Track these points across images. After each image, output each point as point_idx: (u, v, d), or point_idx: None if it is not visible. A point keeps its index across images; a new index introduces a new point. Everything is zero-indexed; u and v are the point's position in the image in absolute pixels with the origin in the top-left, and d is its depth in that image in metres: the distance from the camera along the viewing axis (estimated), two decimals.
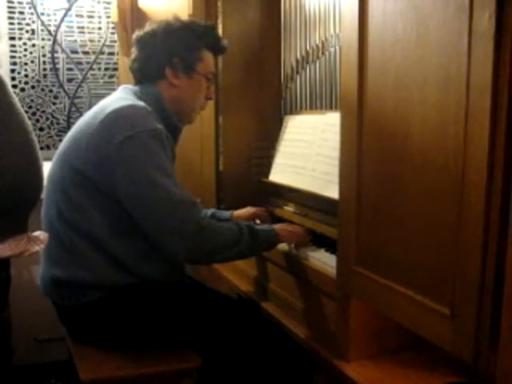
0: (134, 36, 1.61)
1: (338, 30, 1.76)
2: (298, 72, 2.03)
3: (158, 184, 1.37)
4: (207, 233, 1.40)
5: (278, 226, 1.59)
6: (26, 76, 2.74)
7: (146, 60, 1.58)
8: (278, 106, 2.15)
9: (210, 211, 1.84)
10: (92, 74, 2.83)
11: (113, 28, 2.70)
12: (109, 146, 1.39)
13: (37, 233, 1.20)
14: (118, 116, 1.42)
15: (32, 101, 2.76)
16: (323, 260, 1.47)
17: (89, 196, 1.45)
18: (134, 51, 1.61)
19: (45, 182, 1.58)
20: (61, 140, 2.76)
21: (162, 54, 1.56)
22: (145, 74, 1.59)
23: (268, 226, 1.58)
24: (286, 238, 1.57)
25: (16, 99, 1.18)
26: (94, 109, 1.53)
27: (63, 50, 2.72)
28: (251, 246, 1.48)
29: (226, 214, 1.84)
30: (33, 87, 2.76)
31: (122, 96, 1.53)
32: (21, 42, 2.71)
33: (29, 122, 1.30)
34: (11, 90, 1.18)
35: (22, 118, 1.16)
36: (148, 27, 1.60)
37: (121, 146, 1.38)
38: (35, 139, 1.27)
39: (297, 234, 1.59)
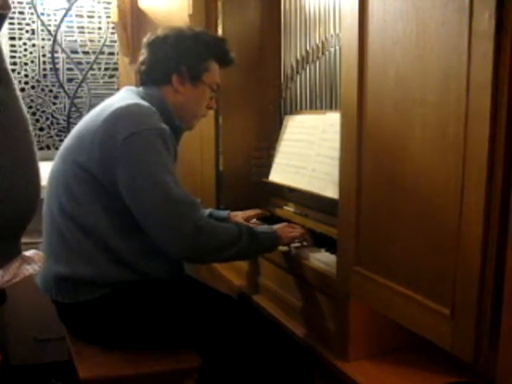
0: (145, 39, 1.64)
1: (338, 30, 1.76)
2: (298, 72, 2.03)
3: (159, 181, 1.38)
4: (205, 232, 1.41)
5: (278, 227, 1.58)
6: (26, 76, 2.74)
7: (154, 64, 1.60)
8: (278, 106, 2.15)
9: (207, 211, 1.85)
10: (92, 74, 2.83)
11: (113, 28, 2.70)
12: (113, 143, 1.40)
13: (30, 252, 1.14)
14: (123, 114, 1.44)
15: (32, 101, 2.77)
16: (323, 260, 1.47)
17: (92, 192, 1.46)
18: (143, 53, 1.63)
19: (43, 181, 1.58)
20: (61, 140, 2.78)
21: (171, 60, 1.58)
22: (151, 77, 1.61)
23: (269, 228, 1.57)
24: (287, 240, 1.57)
25: (21, 100, 1.13)
26: (98, 107, 1.55)
27: (63, 50, 2.72)
28: (250, 247, 1.49)
29: (224, 213, 1.85)
30: (33, 87, 2.76)
31: (125, 96, 1.55)
32: (21, 42, 2.71)
33: (30, 128, 1.22)
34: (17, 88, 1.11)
35: (26, 127, 1.09)
36: (160, 32, 1.62)
37: (124, 142, 1.39)
38: (36, 150, 1.18)
39: (298, 235, 1.58)
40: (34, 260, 1.13)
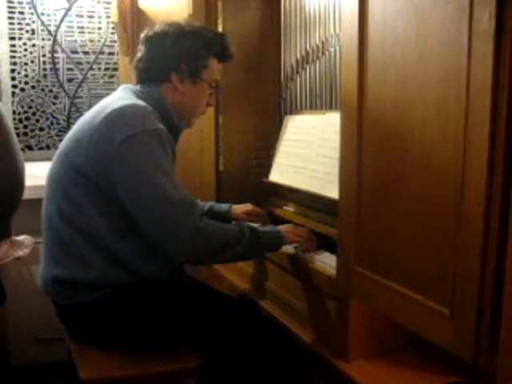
0: (143, 34, 1.60)
1: (338, 30, 1.76)
2: (298, 72, 2.03)
3: (156, 184, 1.38)
4: (205, 234, 1.40)
5: (283, 228, 1.56)
6: (26, 76, 2.74)
7: (152, 61, 1.57)
8: (277, 106, 2.15)
9: (208, 204, 1.84)
10: (92, 74, 2.83)
11: (113, 28, 2.70)
12: (109, 145, 1.39)
13: (21, 237, 1.16)
14: (119, 115, 1.42)
15: (32, 101, 2.77)
16: (323, 260, 1.47)
17: (89, 195, 1.45)
18: (140, 49, 1.60)
19: (44, 181, 1.58)
20: (61, 140, 2.76)
21: (170, 58, 1.55)
22: (149, 75, 1.58)
23: (272, 228, 1.56)
24: (291, 240, 1.55)
25: None
26: (95, 108, 1.53)
27: (63, 50, 2.72)
28: (252, 248, 1.47)
29: (225, 206, 1.84)
30: (33, 87, 2.76)
31: (122, 96, 1.53)
32: (21, 42, 2.71)
33: (8, 122, 1.26)
34: None
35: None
36: (159, 28, 1.58)
37: (121, 145, 1.38)
38: (15, 139, 1.22)
39: (303, 234, 1.57)
40: (23, 244, 1.15)
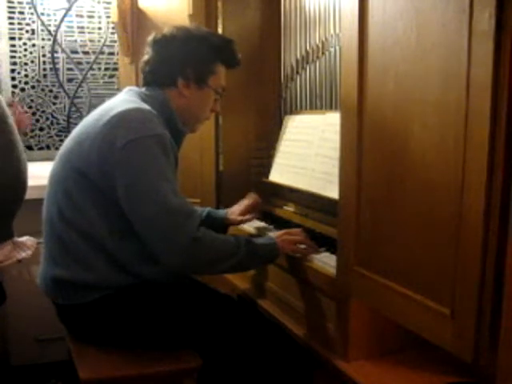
0: (151, 37, 1.59)
1: (338, 30, 1.76)
2: (298, 72, 2.03)
3: (156, 190, 1.37)
4: (202, 243, 1.39)
5: (278, 236, 1.55)
6: (26, 76, 2.74)
7: (159, 64, 1.57)
8: (278, 106, 2.15)
9: (206, 210, 1.84)
10: (92, 74, 2.83)
11: (113, 28, 2.70)
12: (111, 149, 1.39)
13: (23, 238, 1.16)
14: (122, 119, 1.41)
15: (32, 101, 2.77)
16: (323, 260, 1.47)
17: (90, 197, 1.45)
18: (147, 52, 1.59)
19: (45, 181, 1.59)
20: (61, 140, 2.78)
21: (177, 62, 1.55)
22: (155, 78, 1.58)
23: (269, 239, 1.55)
24: (286, 251, 1.54)
25: None
26: (98, 110, 1.52)
27: (63, 50, 2.72)
28: (248, 260, 1.47)
29: (222, 213, 1.84)
30: (33, 87, 2.76)
31: (127, 98, 1.53)
32: (21, 42, 2.71)
33: (12, 122, 1.26)
34: None
35: (3, 118, 1.11)
36: (167, 31, 1.58)
37: (123, 149, 1.37)
38: (18, 139, 1.23)
39: (299, 242, 1.55)
40: (26, 245, 1.16)
